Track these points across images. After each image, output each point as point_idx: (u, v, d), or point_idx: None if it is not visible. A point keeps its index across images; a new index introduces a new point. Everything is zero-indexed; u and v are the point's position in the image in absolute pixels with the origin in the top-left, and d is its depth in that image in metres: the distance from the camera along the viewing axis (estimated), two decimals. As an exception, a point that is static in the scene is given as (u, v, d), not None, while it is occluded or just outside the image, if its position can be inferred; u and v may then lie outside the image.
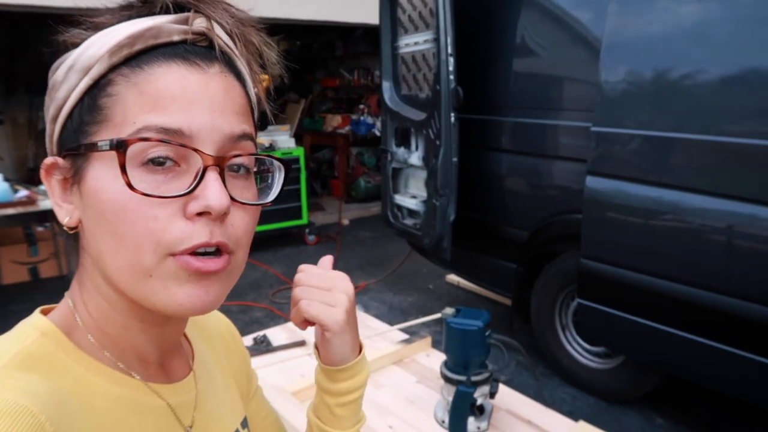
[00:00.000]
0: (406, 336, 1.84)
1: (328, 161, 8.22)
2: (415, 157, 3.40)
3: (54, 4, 4.44)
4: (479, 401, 1.37)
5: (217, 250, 0.47)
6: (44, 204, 4.18)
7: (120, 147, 0.43)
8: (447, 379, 1.37)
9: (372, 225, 6.48)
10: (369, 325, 1.97)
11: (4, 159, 6.84)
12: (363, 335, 1.87)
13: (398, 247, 4.86)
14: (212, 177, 0.45)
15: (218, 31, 0.49)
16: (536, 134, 3.03)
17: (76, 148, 0.47)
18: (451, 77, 2.95)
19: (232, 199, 0.47)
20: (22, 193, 4.20)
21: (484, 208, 3.34)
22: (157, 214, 0.44)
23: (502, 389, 1.54)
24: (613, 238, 2.49)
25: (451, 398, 1.34)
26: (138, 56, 0.46)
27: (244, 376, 0.75)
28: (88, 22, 0.49)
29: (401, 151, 3.53)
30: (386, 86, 3.63)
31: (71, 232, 0.50)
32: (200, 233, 0.45)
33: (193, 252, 0.45)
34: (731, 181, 2.12)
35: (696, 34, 2.21)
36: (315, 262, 0.68)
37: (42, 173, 0.50)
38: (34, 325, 0.49)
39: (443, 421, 1.37)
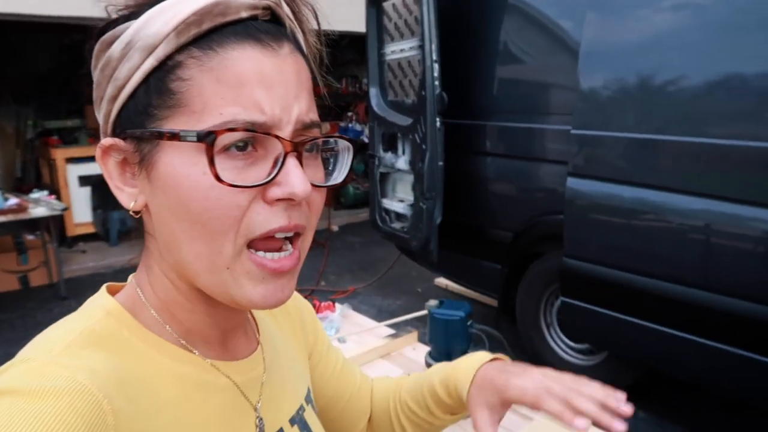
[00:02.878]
0: (393, 331, 1.90)
1: (317, 168, 8.29)
2: (402, 162, 3.48)
3: (44, 12, 4.48)
4: (462, 388, 1.43)
5: (293, 236, 0.47)
6: (35, 212, 4.20)
7: (209, 139, 0.42)
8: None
9: (361, 230, 6.54)
10: (357, 322, 2.02)
11: (-7, 168, 6.82)
12: (351, 332, 1.93)
13: (387, 252, 4.93)
14: (293, 163, 0.45)
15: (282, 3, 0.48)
16: (519, 138, 3.12)
17: (148, 133, 0.45)
18: (436, 83, 3.03)
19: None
20: (13, 201, 4.23)
21: (470, 210, 3.42)
22: (239, 201, 0.44)
23: (485, 379, 1.61)
24: (594, 237, 2.57)
25: (435, 386, 1.40)
26: (207, 35, 0.44)
27: (306, 334, 0.74)
28: None
29: (389, 156, 3.60)
30: (373, 92, 3.71)
31: (136, 216, 0.50)
32: (279, 217, 0.45)
33: (270, 237, 0.46)
34: (706, 180, 2.20)
35: (666, 41, 2.31)
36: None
37: (98, 153, 0.48)
38: (100, 305, 0.50)
39: (428, 408, 1.44)
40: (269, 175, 0.44)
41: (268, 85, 0.44)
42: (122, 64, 0.45)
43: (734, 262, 2.16)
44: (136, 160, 0.47)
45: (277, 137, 0.44)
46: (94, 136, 6.26)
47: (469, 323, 1.42)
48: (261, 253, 0.46)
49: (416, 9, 3.14)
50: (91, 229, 5.93)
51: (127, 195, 0.48)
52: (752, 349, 2.11)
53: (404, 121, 3.36)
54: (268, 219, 0.45)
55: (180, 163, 0.44)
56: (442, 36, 3.04)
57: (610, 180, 2.49)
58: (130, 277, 0.55)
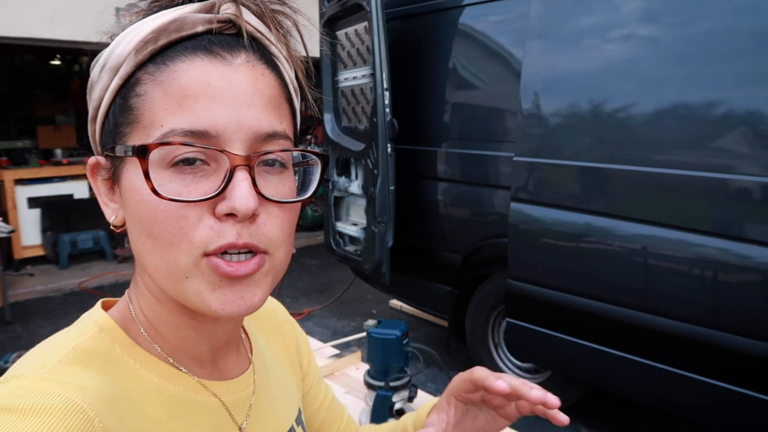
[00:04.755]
0: (337, 352, 1.94)
1: (276, 191, 8.29)
2: (356, 186, 3.55)
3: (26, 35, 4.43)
4: (399, 405, 1.49)
5: (249, 251, 0.45)
6: (-20, 234, 4.09)
7: (141, 153, 0.43)
8: (369, 386, 1.49)
9: (318, 253, 6.56)
10: (304, 343, 2.07)
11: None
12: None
13: (344, 275, 4.96)
14: (240, 177, 0.43)
15: (248, 15, 0.47)
16: (466, 163, 3.23)
17: (111, 149, 0.47)
18: (387, 110, 3.13)
19: (264, 197, 0.45)
20: (-43, 223, 4.11)
21: (422, 233, 3.50)
22: (186, 213, 0.43)
23: (424, 396, 1.67)
24: (536, 260, 2.68)
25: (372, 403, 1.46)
26: (163, 52, 0.45)
27: (300, 361, 0.73)
28: (125, 16, 0.49)
29: (342, 180, 3.67)
30: (327, 118, 3.79)
31: (118, 231, 0.51)
32: (228, 233, 0.44)
33: (224, 252, 0.44)
34: (641, 206, 2.33)
35: (605, 71, 2.45)
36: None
37: (87, 172, 0.50)
38: (94, 320, 0.50)
39: (366, 425, 1.49)
40: (217, 189, 0.44)
41: (214, 94, 0.43)
42: (96, 85, 0.48)
43: (670, 284, 2.26)
44: (110, 176, 0.49)
45: (222, 151, 0.43)
46: (45, 158, 6.14)
47: (405, 342, 1.48)
48: (218, 257, 0.44)
49: (368, 38, 3.25)
50: (40, 252, 5.77)
51: (111, 210, 0.50)
52: (687, 367, 2.22)
53: (357, 146, 3.44)
54: (218, 234, 0.44)
55: (135, 178, 0.45)
56: (395, 64, 3.15)
57: (550, 205, 2.61)
58: (126, 292, 0.55)
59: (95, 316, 0.51)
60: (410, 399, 1.52)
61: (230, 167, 0.43)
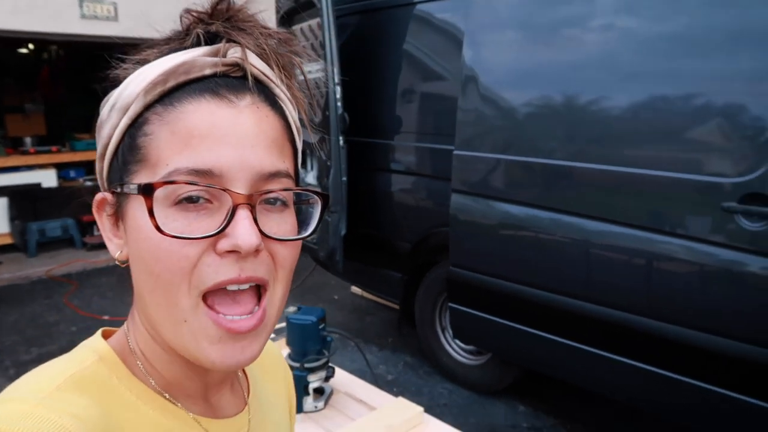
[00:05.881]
0: (273, 336, 2.08)
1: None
2: (311, 177, 3.68)
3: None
4: (317, 384, 1.64)
5: (259, 293, 0.47)
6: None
7: (147, 192, 0.44)
8: (288, 367, 1.63)
9: (288, 240, 6.68)
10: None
11: None
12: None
13: (307, 262, 5.08)
14: (242, 215, 0.44)
15: (253, 59, 0.48)
16: (416, 156, 3.38)
17: (118, 186, 0.48)
18: (339, 104, 3.25)
19: (265, 235, 0.46)
20: None
21: (375, 223, 3.65)
22: (188, 253, 0.44)
23: (346, 376, 1.82)
24: (473, 248, 2.84)
25: (291, 382, 1.60)
26: (171, 93, 0.46)
27: (292, 407, 0.75)
28: (136, 57, 0.50)
29: (300, 172, 3.79)
30: (286, 111, 3.88)
31: (122, 266, 0.51)
32: (229, 269, 0.45)
33: (224, 288, 0.45)
34: (571, 198, 2.47)
35: (538, 68, 2.59)
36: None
37: (93, 207, 0.51)
38: (93, 348, 0.51)
39: (287, 403, 1.63)
40: (219, 226, 0.45)
41: (219, 135, 0.45)
42: (106, 124, 0.49)
43: (600, 274, 2.40)
44: (115, 212, 0.50)
45: (225, 190, 0.45)
46: (13, 147, 6.16)
47: (321, 326, 1.63)
48: (221, 314, 0.46)
49: (320, 35, 3.36)
50: (8, 240, 5.83)
51: (115, 245, 0.51)
52: (619, 352, 2.37)
53: (312, 138, 3.56)
54: (217, 271, 0.45)
55: (140, 215, 0.45)
56: (350, 59, 3.26)
57: (486, 196, 2.76)
58: (125, 323, 0.55)
59: (95, 345, 0.51)
60: (327, 379, 1.67)
61: (232, 205, 0.45)
